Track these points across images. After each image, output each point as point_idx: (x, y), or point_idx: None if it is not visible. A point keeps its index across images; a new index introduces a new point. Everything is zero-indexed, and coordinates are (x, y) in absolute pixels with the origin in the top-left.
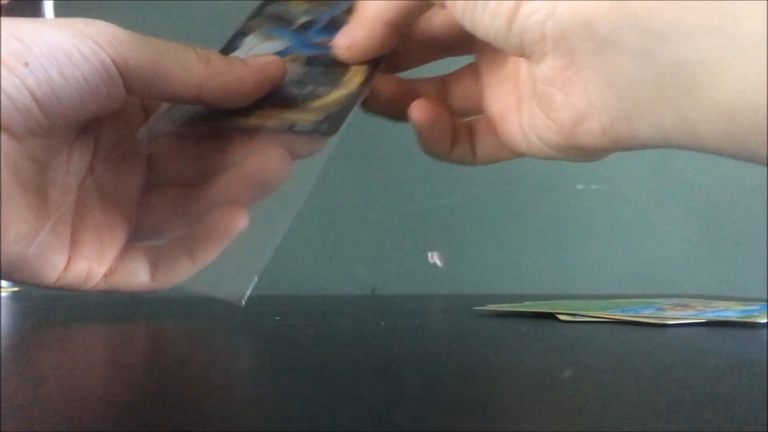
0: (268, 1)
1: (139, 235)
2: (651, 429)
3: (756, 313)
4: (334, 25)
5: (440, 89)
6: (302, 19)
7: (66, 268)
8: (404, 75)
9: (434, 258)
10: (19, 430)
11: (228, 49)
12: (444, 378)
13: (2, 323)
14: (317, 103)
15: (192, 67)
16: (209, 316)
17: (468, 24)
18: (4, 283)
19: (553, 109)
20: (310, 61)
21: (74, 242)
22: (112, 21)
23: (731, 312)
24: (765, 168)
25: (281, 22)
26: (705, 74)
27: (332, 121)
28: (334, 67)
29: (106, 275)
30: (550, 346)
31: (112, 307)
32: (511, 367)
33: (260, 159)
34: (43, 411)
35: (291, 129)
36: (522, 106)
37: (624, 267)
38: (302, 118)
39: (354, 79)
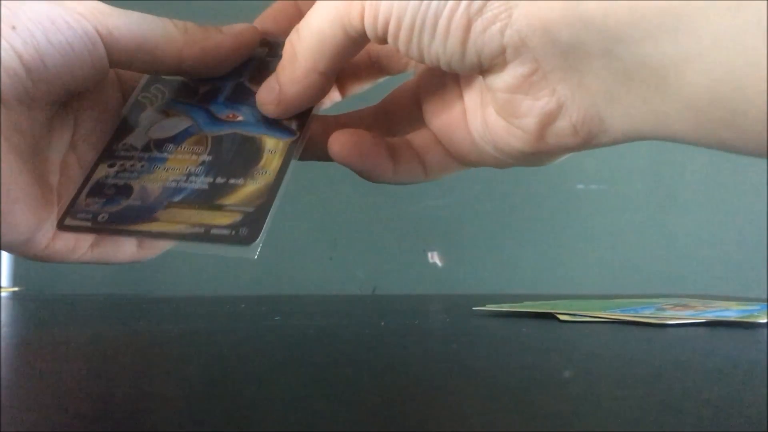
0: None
1: None
2: (651, 429)
3: (756, 313)
4: (241, 95)
5: (377, 117)
6: (204, 88)
7: (54, 236)
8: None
9: (434, 258)
10: (19, 430)
11: (124, 124)
12: (444, 378)
13: (2, 323)
14: (231, 200)
15: (172, 36)
16: (209, 316)
17: (415, 54)
18: (4, 283)
19: (519, 115)
20: (217, 143)
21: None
22: None
23: (731, 312)
24: (765, 167)
25: (181, 91)
26: (671, 71)
27: (251, 225)
28: (245, 151)
29: (92, 245)
30: (550, 346)
31: (112, 307)
32: (512, 367)
33: None
34: (43, 411)
35: (205, 235)
36: (469, 117)
37: (624, 267)
38: (215, 220)
39: (272, 164)
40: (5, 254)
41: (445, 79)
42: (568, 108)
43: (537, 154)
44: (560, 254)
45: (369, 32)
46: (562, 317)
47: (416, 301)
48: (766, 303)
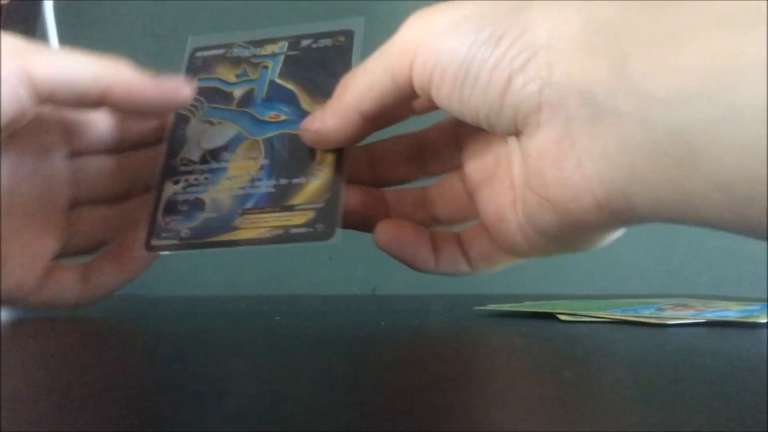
0: (190, 71)
1: (68, 251)
2: (651, 429)
3: (756, 313)
4: (275, 93)
5: (419, 197)
6: (238, 91)
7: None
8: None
9: None
10: (19, 430)
11: (175, 139)
12: (445, 378)
13: (2, 323)
14: (299, 198)
15: (98, 72)
16: (209, 316)
17: (456, 107)
18: None
19: (546, 185)
20: (269, 146)
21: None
22: (111, 21)
23: (731, 312)
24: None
25: (216, 99)
26: (703, 142)
27: (325, 220)
28: (298, 149)
29: (36, 288)
30: (551, 346)
31: (112, 307)
32: (512, 367)
33: None
34: (43, 411)
35: (286, 236)
36: (518, 202)
37: (624, 267)
38: (291, 220)
39: (326, 158)
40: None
41: (498, 163)
42: (591, 182)
43: (573, 229)
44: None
45: (415, 80)
46: (562, 317)
47: (416, 301)
48: (766, 303)
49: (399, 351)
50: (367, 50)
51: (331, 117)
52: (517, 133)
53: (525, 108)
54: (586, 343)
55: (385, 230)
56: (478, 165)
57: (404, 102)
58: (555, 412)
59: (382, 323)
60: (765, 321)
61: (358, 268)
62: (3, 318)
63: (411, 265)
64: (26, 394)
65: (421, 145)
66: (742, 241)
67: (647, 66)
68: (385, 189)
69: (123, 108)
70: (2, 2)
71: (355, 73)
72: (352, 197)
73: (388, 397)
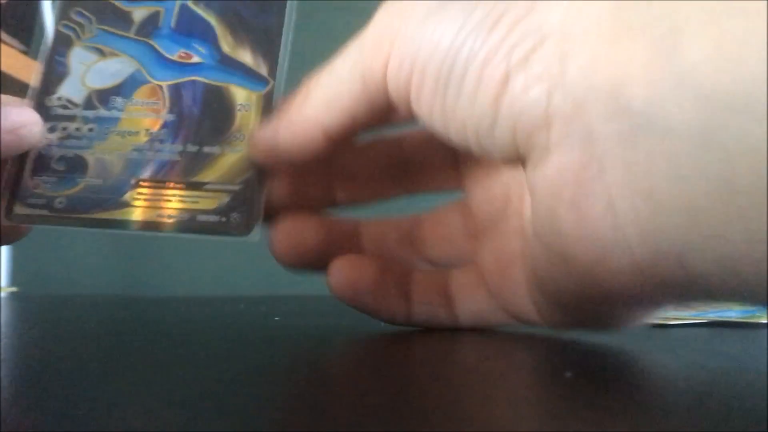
0: None
1: None
2: (651, 429)
3: (756, 313)
4: (189, 23)
5: (406, 231)
6: (139, 13)
7: None
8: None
9: None
10: (19, 430)
11: (51, 68)
12: (446, 378)
13: (2, 323)
14: (211, 175)
15: None
16: (209, 316)
17: (438, 121)
18: (3, 283)
19: (560, 235)
20: (175, 95)
21: None
22: None
23: (731, 312)
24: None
25: (109, 19)
26: None
27: (242, 208)
28: (212, 106)
29: None
30: (551, 346)
31: (112, 307)
32: (512, 367)
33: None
34: (43, 411)
35: (191, 224)
36: (526, 255)
37: None
38: (199, 203)
39: (248, 125)
40: (5, 254)
41: (508, 201)
42: (628, 234)
43: (597, 304)
44: None
45: (390, 85)
46: None
47: None
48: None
49: (399, 351)
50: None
51: (286, 131)
52: (519, 158)
53: (528, 121)
54: (586, 343)
55: (339, 271)
56: (481, 195)
57: (379, 116)
58: (555, 412)
59: (382, 324)
60: (766, 321)
61: None
62: (4, 319)
63: (374, 317)
64: (28, 394)
65: (404, 157)
66: None
67: (710, 49)
68: (362, 220)
69: None
70: (2, 2)
71: (320, 75)
72: (308, 230)
73: (389, 396)
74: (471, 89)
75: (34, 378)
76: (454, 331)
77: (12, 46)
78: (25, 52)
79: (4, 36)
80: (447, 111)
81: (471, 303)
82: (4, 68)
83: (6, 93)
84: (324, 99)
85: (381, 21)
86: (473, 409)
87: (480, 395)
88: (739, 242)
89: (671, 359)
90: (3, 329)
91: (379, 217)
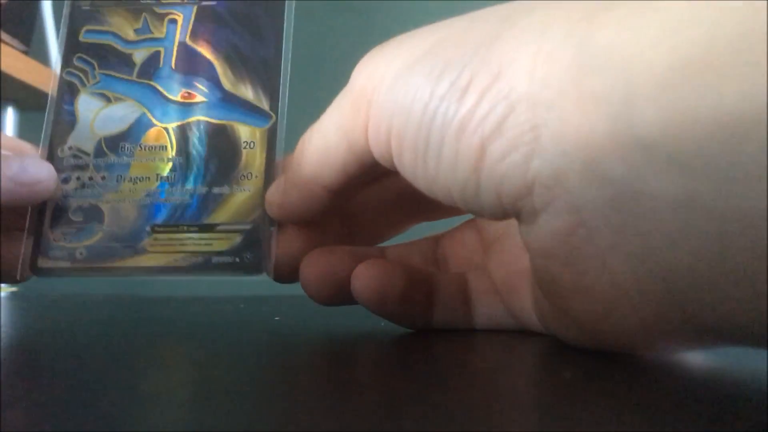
0: (75, 22)
1: None
2: (650, 429)
3: None
4: (188, 61)
5: (428, 253)
6: (139, 54)
7: None
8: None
9: None
10: (19, 430)
11: (60, 118)
12: (447, 377)
13: (2, 323)
14: (222, 215)
15: None
16: (209, 316)
17: (422, 184)
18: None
19: (561, 294)
20: (181, 137)
21: None
22: None
23: None
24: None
25: (111, 63)
26: None
27: (255, 247)
28: (218, 146)
29: None
30: (551, 346)
31: (112, 307)
32: (512, 367)
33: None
34: (43, 411)
35: (207, 266)
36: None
37: None
38: (213, 245)
39: (254, 163)
40: None
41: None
42: (628, 292)
43: (610, 347)
44: None
45: (373, 149)
46: None
47: None
48: None
49: (399, 350)
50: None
51: (291, 191)
52: (509, 217)
53: (511, 188)
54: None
55: (365, 277)
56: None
57: (373, 170)
58: (554, 412)
59: (383, 323)
60: None
61: None
62: (4, 319)
63: (396, 322)
64: (28, 394)
65: (414, 189)
66: None
67: (663, 117)
68: (385, 246)
69: None
70: (2, 2)
71: (311, 135)
72: (337, 260)
73: (389, 396)
74: (450, 159)
75: (34, 378)
76: (447, 331)
77: (12, 46)
78: (25, 52)
79: (4, 36)
80: (429, 177)
81: (486, 307)
82: (4, 68)
83: (6, 93)
84: (317, 159)
85: (357, 81)
86: (474, 408)
87: (482, 394)
88: (739, 298)
89: (671, 359)
90: (3, 329)
91: (400, 242)
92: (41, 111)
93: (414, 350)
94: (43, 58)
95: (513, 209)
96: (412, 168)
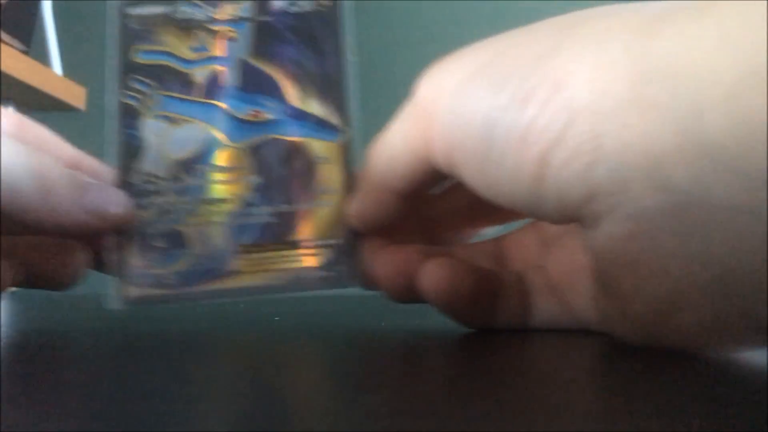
0: (126, 42)
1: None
2: (650, 429)
3: None
4: (253, 80)
5: (492, 252)
6: (200, 74)
7: None
8: None
9: None
10: (19, 430)
11: (126, 147)
12: (448, 377)
13: (2, 323)
14: (309, 232)
15: (23, 198)
16: (209, 316)
17: (486, 192)
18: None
19: (621, 297)
20: (256, 157)
21: None
22: (107, 22)
23: None
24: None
25: (171, 84)
26: None
27: (347, 261)
28: (294, 163)
29: None
30: (551, 346)
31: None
32: (512, 366)
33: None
34: (43, 411)
35: (301, 282)
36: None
37: None
38: (304, 261)
39: (332, 177)
40: None
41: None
42: (690, 296)
43: (665, 342)
44: None
45: (438, 160)
46: None
47: None
48: None
49: (400, 350)
50: (370, 21)
51: (366, 199)
52: (572, 222)
53: (573, 195)
54: (586, 343)
55: (435, 273)
56: None
57: (440, 177)
58: (554, 411)
59: (383, 323)
60: None
61: None
62: (4, 319)
63: (460, 321)
64: (28, 394)
65: (503, 246)
66: None
67: (732, 126)
68: (452, 247)
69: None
70: (1, 2)
71: (379, 146)
72: (408, 257)
73: (390, 396)
74: (512, 168)
75: (34, 378)
76: (447, 331)
77: (12, 46)
78: (25, 52)
79: (4, 36)
80: (492, 186)
81: (545, 304)
82: (4, 68)
83: (6, 93)
84: (386, 168)
85: (420, 93)
86: (476, 408)
87: (479, 393)
88: None
89: (670, 359)
90: (3, 329)
91: (464, 244)
92: (42, 111)
93: (414, 348)
94: (43, 58)
95: (576, 215)
96: (474, 177)
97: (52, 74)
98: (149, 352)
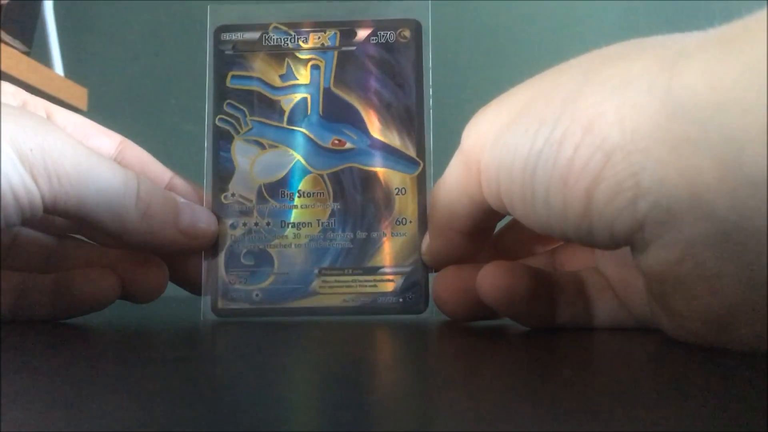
0: (220, 67)
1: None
2: (650, 429)
3: None
4: (335, 109)
5: (549, 259)
6: (287, 101)
7: None
8: None
9: None
10: (19, 430)
11: (219, 164)
12: (448, 377)
13: (3, 323)
14: (383, 259)
15: (124, 218)
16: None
17: (538, 227)
18: None
19: (675, 311)
20: (336, 185)
21: None
22: (110, 21)
23: None
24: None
25: (261, 110)
26: None
27: (416, 289)
28: (371, 193)
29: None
30: (551, 346)
31: (111, 307)
32: (512, 366)
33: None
34: (43, 411)
35: (373, 307)
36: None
37: None
38: (378, 287)
39: (407, 208)
40: None
41: None
42: (741, 313)
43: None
44: None
45: (490, 201)
46: None
47: None
48: None
49: (400, 350)
50: (445, 42)
51: (435, 239)
52: (623, 246)
53: (621, 228)
54: (586, 343)
55: (494, 276)
56: None
57: (497, 215)
58: (554, 411)
59: (383, 323)
60: None
61: None
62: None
63: (521, 322)
64: (28, 394)
65: (557, 255)
66: None
67: None
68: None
69: (136, 248)
70: (2, 2)
71: (438, 190)
72: (467, 275)
73: (389, 396)
74: (559, 206)
75: (34, 378)
76: (447, 331)
77: (13, 47)
78: (26, 53)
79: (5, 37)
80: (542, 222)
81: (605, 302)
82: (4, 69)
83: (6, 94)
84: (447, 211)
85: (466, 142)
86: (477, 408)
87: (480, 393)
88: None
89: (670, 359)
90: (3, 329)
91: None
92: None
93: (414, 348)
94: (44, 59)
95: (625, 242)
96: (526, 216)
97: (53, 75)
98: (150, 351)
